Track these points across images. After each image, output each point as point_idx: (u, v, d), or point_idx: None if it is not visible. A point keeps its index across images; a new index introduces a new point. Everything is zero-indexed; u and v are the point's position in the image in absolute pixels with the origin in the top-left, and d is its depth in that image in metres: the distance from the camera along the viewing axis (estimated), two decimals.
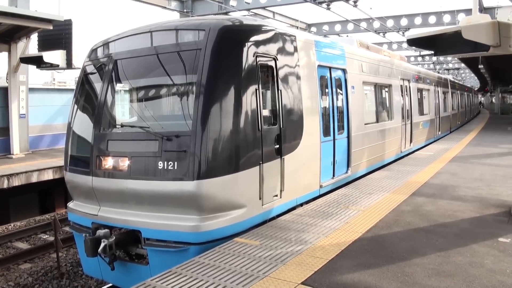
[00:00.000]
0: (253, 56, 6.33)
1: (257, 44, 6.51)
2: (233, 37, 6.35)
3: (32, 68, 15.85)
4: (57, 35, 14.76)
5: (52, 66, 14.96)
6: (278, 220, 6.54)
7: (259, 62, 6.40)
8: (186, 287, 4.30)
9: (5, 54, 15.22)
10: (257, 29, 6.77)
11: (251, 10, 21.45)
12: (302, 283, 4.37)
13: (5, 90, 15.54)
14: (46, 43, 14.99)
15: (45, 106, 17.60)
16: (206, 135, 5.69)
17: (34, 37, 15.08)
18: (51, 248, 10.14)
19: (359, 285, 4.30)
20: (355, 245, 5.44)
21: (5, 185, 11.52)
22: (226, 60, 6.10)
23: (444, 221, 6.42)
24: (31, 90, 16.80)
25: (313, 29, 27.74)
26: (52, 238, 10.61)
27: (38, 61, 14.70)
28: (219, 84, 5.93)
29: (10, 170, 12.11)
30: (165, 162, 5.79)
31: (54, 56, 14.46)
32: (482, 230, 6.02)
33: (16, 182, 11.77)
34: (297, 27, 23.86)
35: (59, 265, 9.06)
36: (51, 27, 13.47)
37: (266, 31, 6.89)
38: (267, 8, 22.89)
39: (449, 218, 6.59)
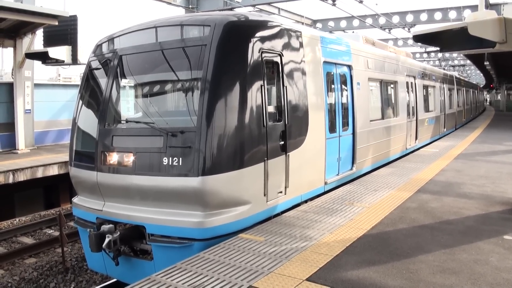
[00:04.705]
0: (259, 52, 6.30)
1: (263, 40, 6.48)
2: (238, 33, 6.32)
3: (37, 63, 15.88)
4: (63, 31, 14.77)
5: (57, 62, 14.97)
6: (282, 217, 6.54)
7: (264, 58, 6.38)
8: (190, 282, 4.31)
9: (11, 49, 15.26)
10: (262, 25, 6.74)
11: (257, 6, 21.36)
12: (307, 279, 4.37)
13: (10, 85, 15.58)
14: (52, 39, 14.99)
15: (50, 101, 17.63)
16: (211, 131, 5.68)
17: (40, 32, 15.08)
18: (56, 243, 10.19)
19: (363, 282, 4.30)
20: (360, 241, 5.43)
21: (11, 180, 11.55)
22: (232, 56, 6.08)
23: (449, 218, 6.40)
24: (37, 85, 16.86)
25: (319, 25, 27.60)
26: (57, 233, 10.67)
27: (43, 57, 14.70)
28: (224, 80, 5.92)
29: (15, 165, 12.15)
30: (170, 158, 5.79)
31: (60, 51, 14.48)
32: (487, 227, 6.00)
33: (21, 177, 11.81)
34: (303, 23, 23.77)
35: (64, 260, 9.11)
36: (56, 23, 13.48)
37: (272, 27, 6.86)
38: (273, 4, 22.78)
39: (454, 215, 6.57)
